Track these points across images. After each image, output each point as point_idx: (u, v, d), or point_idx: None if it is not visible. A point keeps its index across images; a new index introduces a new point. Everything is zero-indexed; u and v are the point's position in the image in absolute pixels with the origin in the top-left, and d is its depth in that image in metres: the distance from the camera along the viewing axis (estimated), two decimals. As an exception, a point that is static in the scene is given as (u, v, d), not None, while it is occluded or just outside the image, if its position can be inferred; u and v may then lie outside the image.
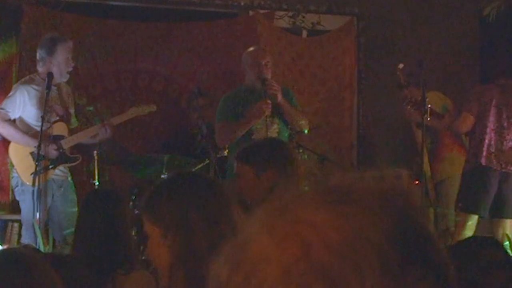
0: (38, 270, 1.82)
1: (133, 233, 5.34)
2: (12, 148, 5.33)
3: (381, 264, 0.64)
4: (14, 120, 5.28)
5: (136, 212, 5.56)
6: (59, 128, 5.26)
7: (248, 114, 5.01)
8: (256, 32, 6.88)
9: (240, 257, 0.70)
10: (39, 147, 5.04)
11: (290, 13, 7.02)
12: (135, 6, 6.74)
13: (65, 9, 6.39)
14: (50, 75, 5.23)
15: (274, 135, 5.04)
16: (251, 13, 6.97)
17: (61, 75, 5.31)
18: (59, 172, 5.29)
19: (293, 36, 7.05)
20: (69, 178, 5.39)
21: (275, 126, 5.08)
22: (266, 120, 4.99)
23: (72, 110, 5.43)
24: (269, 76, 5.11)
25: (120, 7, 6.70)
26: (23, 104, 5.21)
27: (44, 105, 5.12)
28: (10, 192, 6.20)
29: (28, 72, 6.29)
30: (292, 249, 0.67)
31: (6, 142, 6.18)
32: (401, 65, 5.47)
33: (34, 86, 5.28)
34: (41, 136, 5.04)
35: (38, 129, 5.11)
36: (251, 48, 5.40)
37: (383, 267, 0.64)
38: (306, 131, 5.30)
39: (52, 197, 5.26)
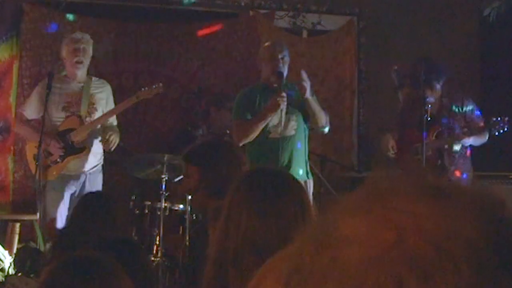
0: (116, 278, 1.84)
1: (133, 233, 5.39)
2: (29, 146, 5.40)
3: (478, 262, 0.63)
4: (31, 120, 5.30)
5: (137, 212, 5.56)
6: (71, 122, 5.25)
7: (264, 108, 4.89)
8: (257, 32, 6.89)
9: (327, 238, 0.69)
10: (39, 146, 5.03)
11: (291, 13, 7.02)
12: (135, 6, 6.74)
13: (65, 9, 6.39)
14: (50, 74, 5.24)
15: (292, 132, 4.94)
16: (251, 13, 6.97)
17: (70, 68, 5.30)
18: (72, 167, 5.23)
19: (293, 36, 7.05)
20: (90, 171, 5.29)
21: (293, 123, 4.94)
22: (281, 116, 4.82)
23: (97, 105, 5.37)
24: (285, 70, 5.01)
25: (120, 7, 6.70)
26: (41, 103, 5.20)
27: (45, 105, 5.13)
28: (10, 192, 6.21)
29: (28, 72, 6.30)
30: (387, 235, 0.65)
31: (6, 142, 6.19)
32: (395, 67, 5.47)
33: (54, 84, 5.28)
34: (41, 136, 5.04)
35: (53, 124, 5.18)
36: (267, 43, 5.28)
37: (480, 266, 0.63)
38: (326, 130, 5.15)
39: (75, 193, 5.22)
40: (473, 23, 7.38)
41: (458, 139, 5.23)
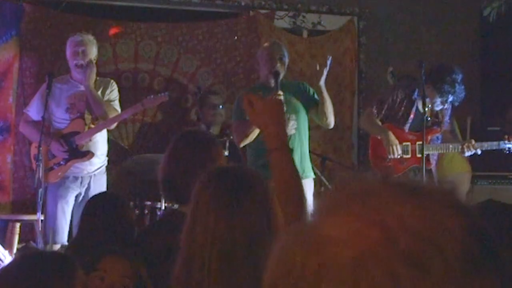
0: (79, 274, 1.84)
1: (135, 235, 5.38)
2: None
3: (463, 251, 0.67)
4: (40, 120, 5.25)
5: (137, 212, 5.56)
6: (76, 125, 5.24)
7: None
8: (257, 32, 6.88)
9: (313, 239, 0.70)
10: (39, 147, 5.04)
11: (291, 13, 7.02)
12: (135, 6, 6.74)
13: (65, 9, 6.39)
14: (50, 75, 5.24)
15: (292, 132, 4.97)
16: (251, 13, 6.97)
17: (73, 70, 5.28)
18: (76, 169, 5.23)
19: (293, 36, 7.05)
20: (94, 173, 5.29)
21: (293, 122, 4.98)
22: None
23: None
24: (283, 70, 5.04)
25: (120, 7, 6.70)
26: (44, 103, 5.19)
27: (45, 105, 5.13)
28: (10, 192, 6.20)
29: (28, 72, 6.30)
30: (372, 233, 0.68)
31: (6, 142, 6.19)
32: (390, 68, 5.47)
33: (58, 85, 5.28)
34: (41, 136, 5.04)
35: (58, 126, 5.19)
36: (265, 44, 5.33)
37: (465, 254, 0.67)
38: (332, 124, 5.12)
39: (80, 194, 5.21)
40: (473, 23, 7.38)
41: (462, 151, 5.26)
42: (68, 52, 5.27)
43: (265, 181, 2.14)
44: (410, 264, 0.66)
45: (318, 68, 5.04)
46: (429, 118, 5.18)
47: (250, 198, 2.02)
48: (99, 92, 5.31)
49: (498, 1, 6.31)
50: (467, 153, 5.25)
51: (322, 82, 4.95)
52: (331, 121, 5.08)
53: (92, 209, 3.26)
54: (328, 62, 4.99)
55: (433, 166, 5.34)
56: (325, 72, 4.96)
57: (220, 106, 6.18)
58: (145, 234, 3.06)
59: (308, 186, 4.83)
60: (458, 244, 0.68)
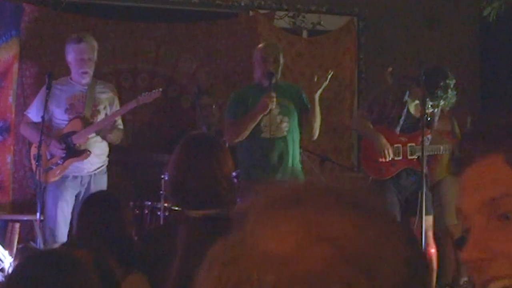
0: (81, 272, 1.83)
1: (133, 234, 5.38)
2: None
3: (406, 260, 0.71)
4: (40, 121, 5.23)
5: (137, 212, 5.57)
6: (74, 125, 5.25)
7: (254, 109, 4.96)
8: (256, 32, 6.88)
9: (262, 256, 0.70)
10: (39, 147, 5.04)
11: (290, 13, 7.02)
12: (135, 6, 6.74)
13: (65, 9, 6.39)
14: (50, 75, 5.24)
15: (283, 133, 5.01)
16: (251, 13, 6.96)
17: (77, 74, 5.28)
18: (75, 168, 5.22)
19: (293, 36, 7.05)
20: (94, 172, 5.30)
21: (285, 124, 5.03)
22: (270, 116, 4.91)
23: (101, 107, 5.34)
24: (277, 71, 5.06)
25: (120, 7, 6.70)
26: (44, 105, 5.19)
27: (45, 104, 5.13)
28: (10, 192, 6.20)
29: (28, 72, 6.29)
30: (322, 248, 0.69)
31: (6, 142, 6.19)
32: (390, 68, 5.48)
33: (58, 86, 5.27)
34: (41, 136, 5.04)
35: (57, 127, 5.20)
36: (261, 44, 5.37)
37: (406, 262, 0.71)
38: (314, 138, 5.23)
39: (80, 194, 5.21)
40: (473, 23, 7.38)
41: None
42: (72, 57, 5.25)
43: None
44: (361, 273, 0.68)
45: (316, 79, 5.05)
46: (428, 118, 5.18)
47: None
48: (102, 95, 5.34)
49: (498, 1, 6.30)
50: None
51: (317, 95, 4.99)
52: (315, 134, 5.16)
53: (89, 207, 3.27)
54: (328, 77, 5.02)
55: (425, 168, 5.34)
56: (323, 86, 4.99)
57: (213, 106, 6.20)
58: (149, 238, 3.07)
59: None
60: (400, 255, 0.71)
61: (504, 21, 6.52)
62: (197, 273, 0.75)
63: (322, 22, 7.08)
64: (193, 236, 2.23)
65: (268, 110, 4.89)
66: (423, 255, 0.75)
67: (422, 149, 4.98)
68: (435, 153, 5.37)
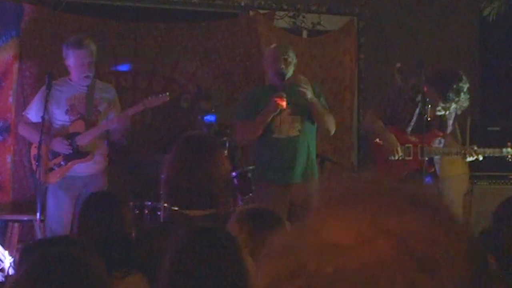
0: (94, 273, 1.84)
1: (132, 234, 5.38)
2: None
3: (469, 255, 0.71)
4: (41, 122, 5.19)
5: (137, 212, 5.56)
6: (77, 126, 5.25)
7: (264, 109, 4.93)
8: (257, 32, 6.88)
9: (325, 246, 0.69)
10: (39, 147, 5.04)
11: (291, 13, 7.02)
12: (135, 6, 6.74)
13: (65, 9, 6.39)
14: (50, 75, 5.23)
15: (295, 133, 4.98)
16: (251, 13, 6.96)
17: (78, 78, 5.27)
18: (77, 169, 5.21)
19: (293, 36, 7.05)
20: (95, 172, 5.28)
21: (297, 124, 5.00)
22: (280, 116, 4.87)
23: (101, 107, 5.32)
24: (288, 72, 5.04)
25: (120, 7, 6.69)
26: (44, 105, 5.18)
27: (45, 104, 5.13)
28: (10, 192, 6.20)
29: (28, 72, 6.29)
30: (382, 240, 0.68)
31: (6, 142, 6.19)
32: (398, 64, 5.46)
33: (57, 87, 5.26)
34: (41, 136, 5.04)
35: (58, 127, 5.20)
36: (272, 45, 5.36)
37: (470, 257, 0.71)
38: (332, 132, 5.19)
39: (80, 194, 5.18)
40: (473, 23, 7.38)
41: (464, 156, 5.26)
42: (72, 62, 5.22)
43: (236, 239, 2.19)
44: (425, 271, 0.67)
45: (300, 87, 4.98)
46: (429, 119, 5.17)
47: (222, 263, 2.08)
48: (102, 95, 5.33)
49: (498, 1, 6.30)
50: (469, 159, 5.25)
51: (309, 98, 4.91)
52: (330, 128, 5.10)
53: (89, 207, 3.27)
54: (301, 80, 4.97)
55: (437, 170, 5.33)
56: (304, 89, 4.89)
57: (212, 111, 6.17)
58: (146, 237, 3.06)
59: (312, 189, 4.83)
60: (464, 249, 0.70)
61: (504, 21, 6.52)
62: (191, 274, 0.76)
63: (322, 22, 7.08)
64: (188, 236, 2.24)
65: (279, 110, 4.87)
66: (486, 256, 0.74)
67: (422, 149, 4.98)
68: (447, 156, 5.35)
